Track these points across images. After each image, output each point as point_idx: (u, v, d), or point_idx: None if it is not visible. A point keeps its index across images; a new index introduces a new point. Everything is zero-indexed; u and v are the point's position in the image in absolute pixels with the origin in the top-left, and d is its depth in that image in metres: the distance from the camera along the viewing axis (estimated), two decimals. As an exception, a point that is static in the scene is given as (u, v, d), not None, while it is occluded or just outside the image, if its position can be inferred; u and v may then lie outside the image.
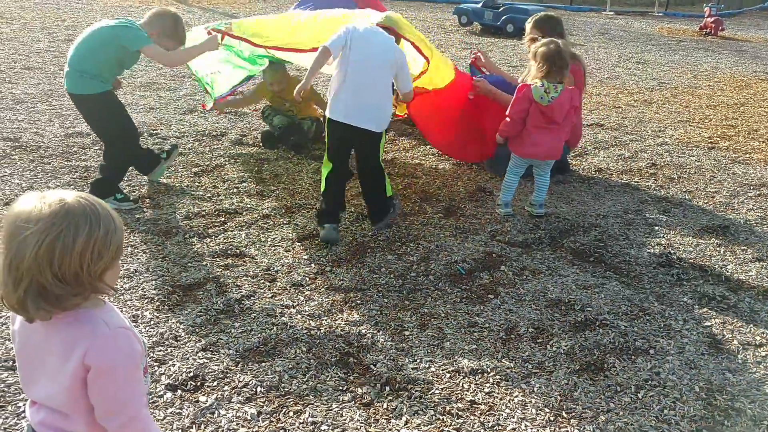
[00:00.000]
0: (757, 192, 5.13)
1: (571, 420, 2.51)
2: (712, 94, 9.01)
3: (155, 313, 3.03)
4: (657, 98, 8.50)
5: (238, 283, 3.34)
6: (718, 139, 6.65)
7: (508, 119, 4.24)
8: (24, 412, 1.54)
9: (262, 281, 3.38)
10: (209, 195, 4.43)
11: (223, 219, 4.08)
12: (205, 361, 2.72)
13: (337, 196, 3.93)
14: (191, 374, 2.63)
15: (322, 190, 3.94)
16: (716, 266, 3.83)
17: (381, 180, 3.97)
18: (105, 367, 1.35)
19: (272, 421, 2.41)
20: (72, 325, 1.36)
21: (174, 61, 4.20)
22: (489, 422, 2.47)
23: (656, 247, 4.05)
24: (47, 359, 1.39)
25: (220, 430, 2.36)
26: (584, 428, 2.47)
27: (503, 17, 14.00)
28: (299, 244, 3.82)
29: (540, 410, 2.55)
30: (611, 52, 12.49)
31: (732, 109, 8.16)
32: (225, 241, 3.79)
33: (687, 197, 4.95)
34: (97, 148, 5.12)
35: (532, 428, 2.46)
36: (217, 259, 3.57)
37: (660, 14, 22.90)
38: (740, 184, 5.29)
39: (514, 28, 13.48)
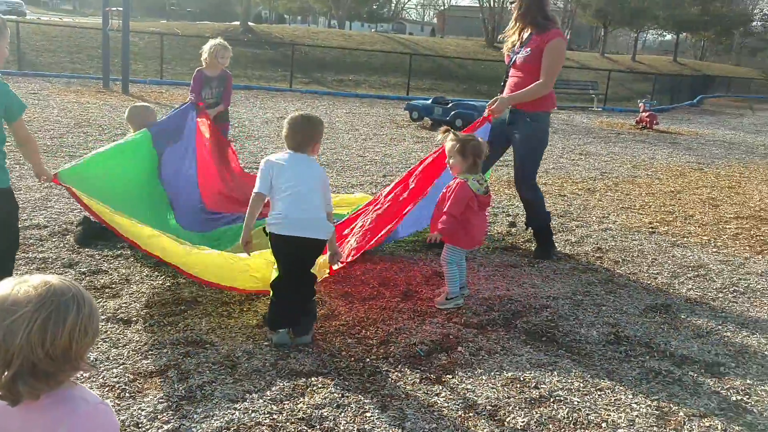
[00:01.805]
0: (696, 273, 5.42)
1: (531, 494, 2.57)
2: (650, 183, 9.55)
3: (116, 401, 3.02)
4: (600, 187, 8.96)
5: (200, 370, 3.35)
6: (658, 224, 7.04)
7: (448, 217, 4.18)
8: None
9: (223, 367, 3.40)
10: (169, 284, 4.46)
11: (183, 307, 4.11)
12: (168, 447, 2.71)
13: (291, 302, 3.74)
14: (153, 461, 2.62)
15: (271, 296, 3.83)
16: (661, 343, 4.02)
17: (312, 283, 3.83)
18: None
19: (236, 505, 2.41)
20: (51, 406, 1.39)
21: (33, 145, 3.84)
22: (451, 499, 2.52)
23: (605, 326, 4.23)
24: None
25: None
26: (543, 501, 2.53)
27: (452, 113, 14.66)
28: (259, 330, 3.86)
29: (500, 485, 2.61)
30: (555, 144, 13.14)
31: (669, 196, 8.66)
32: (185, 328, 3.81)
33: (631, 279, 5.20)
34: (55, 239, 5.14)
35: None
36: (178, 347, 3.59)
37: (599, 109, 24.27)
38: (680, 266, 5.59)
39: (463, 123, 14.10)
